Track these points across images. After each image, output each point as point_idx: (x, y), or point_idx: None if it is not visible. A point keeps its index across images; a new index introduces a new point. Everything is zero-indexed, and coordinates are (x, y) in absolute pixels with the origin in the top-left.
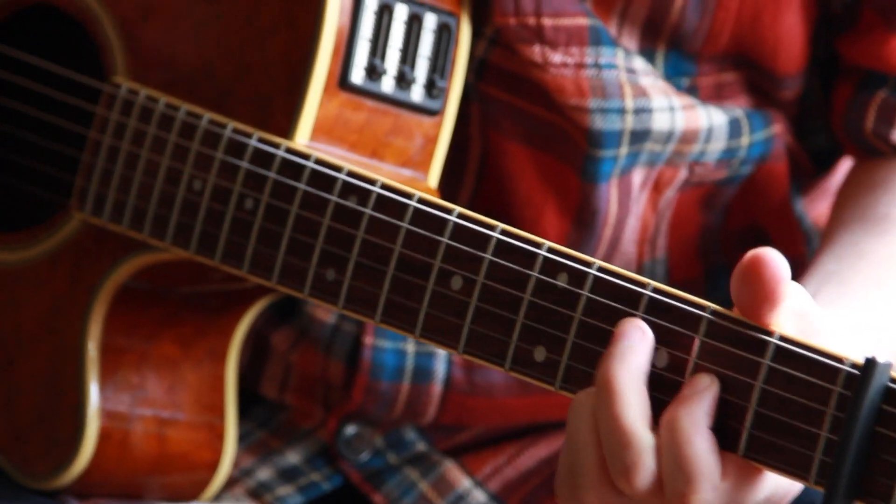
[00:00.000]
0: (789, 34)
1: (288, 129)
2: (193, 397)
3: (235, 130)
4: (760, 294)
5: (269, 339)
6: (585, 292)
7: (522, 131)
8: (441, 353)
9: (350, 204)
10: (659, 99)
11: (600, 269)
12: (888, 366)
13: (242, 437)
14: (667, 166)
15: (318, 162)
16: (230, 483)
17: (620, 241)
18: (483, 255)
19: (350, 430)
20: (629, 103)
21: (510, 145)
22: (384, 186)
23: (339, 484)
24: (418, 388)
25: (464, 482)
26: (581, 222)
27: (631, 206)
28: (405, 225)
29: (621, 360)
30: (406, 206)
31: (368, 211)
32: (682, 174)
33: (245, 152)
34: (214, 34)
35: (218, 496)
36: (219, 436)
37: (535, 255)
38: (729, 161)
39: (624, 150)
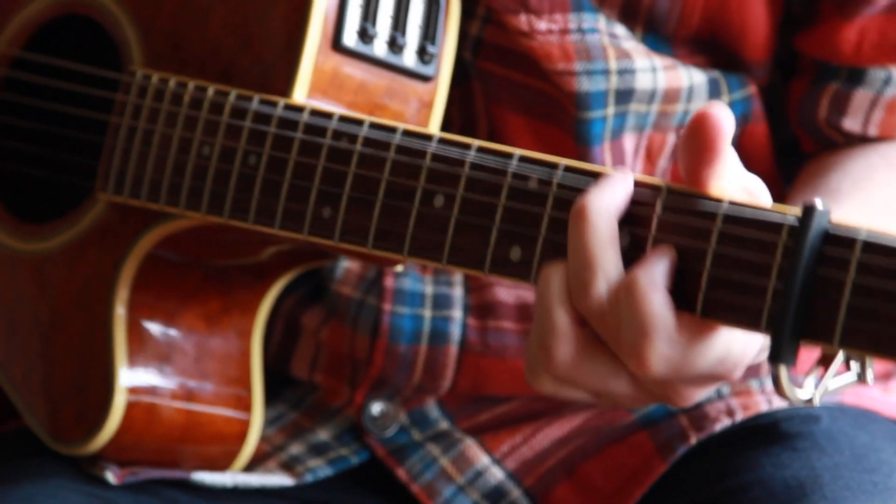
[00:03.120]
0: (755, 21)
1: (286, 91)
2: (220, 370)
3: (239, 96)
4: (704, 146)
5: (299, 319)
6: (553, 190)
7: (520, 102)
8: (457, 318)
9: (342, 144)
10: (641, 60)
11: (566, 168)
12: (827, 212)
13: (276, 419)
14: (655, 131)
15: (312, 112)
16: (264, 457)
17: None
18: (460, 171)
19: (376, 407)
20: (613, 65)
21: (510, 116)
22: (371, 125)
23: (366, 458)
24: (435, 350)
25: (483, 459)
26: None
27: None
28: (391, 155)
29: (598, 192)
30: (390, 139)
31: (358, 148)
32: (671, 139)
33: (247, 114)
34: (220, 14)
35: (252, 468)
36: (246, 407)
37: (506, 163)
38: None
39: (611, 111)
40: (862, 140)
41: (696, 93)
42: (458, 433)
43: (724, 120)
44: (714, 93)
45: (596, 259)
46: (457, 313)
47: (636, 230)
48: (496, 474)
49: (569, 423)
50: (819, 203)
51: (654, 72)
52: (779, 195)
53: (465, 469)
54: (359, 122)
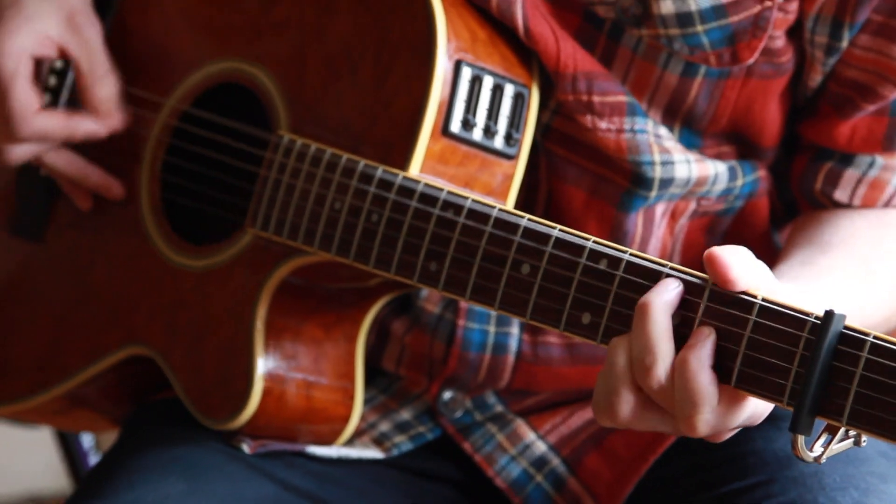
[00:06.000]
0: (771, 118)
1: (404, 165)
2: (332, 367)
3: (366, 165)
4: (719, 279)
5: (389, 326)
6: (620, 272)
7: (574, 177)
8: (514, 333)
9: (448, 215)
10: (679, 155)
11: (632, 255)
12: (843, 317)
13: (369, 400)
14: (681, 200)
15: (426, 185)
16: (359, 433)
17: None
18: (545, 248)
19: (447, 394)
20: (657, 157)
21: (567, 187)
22: (473, 201)
23: (439, 434)
24: (497, 358)
25: (530, 435)
26: (614, 241)
27: (653, 230)
28: (488, 229)
29: (657, 293)
30: (489, 214)
31: (461, 220)
32: (692, 206)
33: (372, 180)
34: (352, 98)
35: (350, 442)
36: (350, 396)
37: (583, 246)
38: (727, 196)
39: (653, 194)
40: (847, 207)
41: (719, 178)
42: (510, 415)
43: (728, 257)
44: (732, 177)
45: (656, 347)
46: (514, 329)
47: (686, 313)
48: (540, 447)
49: None
50: (836, 310)
51: (689, 163)
52: (772, 254)
53: (517, 443)
54: (463, 198)
